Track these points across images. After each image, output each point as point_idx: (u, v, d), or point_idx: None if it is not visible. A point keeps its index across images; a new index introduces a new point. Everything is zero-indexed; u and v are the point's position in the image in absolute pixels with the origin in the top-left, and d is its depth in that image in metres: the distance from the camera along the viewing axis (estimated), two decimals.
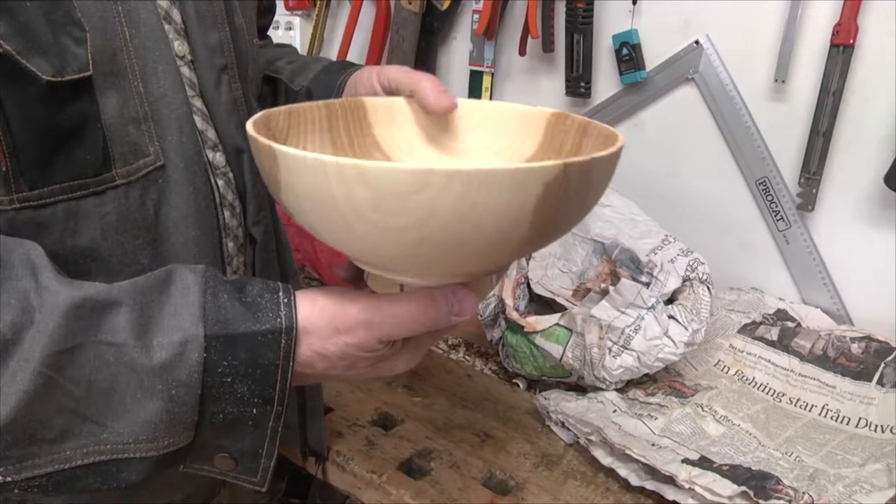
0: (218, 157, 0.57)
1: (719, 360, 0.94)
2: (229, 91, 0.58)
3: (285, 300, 0.43)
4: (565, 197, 0.36)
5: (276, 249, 0.65)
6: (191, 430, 0.41)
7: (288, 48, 0.81)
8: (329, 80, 0.68)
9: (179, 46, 0.54)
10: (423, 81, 0.56)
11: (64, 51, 0.45)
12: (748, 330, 0.98)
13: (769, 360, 0.93)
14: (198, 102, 0.56)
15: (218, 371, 0.40)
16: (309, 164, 0.35)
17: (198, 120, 0.56)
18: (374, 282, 0.46)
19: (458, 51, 1.23)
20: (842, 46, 0.91)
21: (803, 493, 0.67)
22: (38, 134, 0.45)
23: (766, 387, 0.91)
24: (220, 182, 0.58)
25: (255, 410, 0.42)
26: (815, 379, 0.90)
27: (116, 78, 0.49)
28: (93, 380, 0.39)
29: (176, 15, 0.54)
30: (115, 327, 0.40)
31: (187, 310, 0.41)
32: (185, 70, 0.55)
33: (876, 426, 0.82)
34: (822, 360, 0.92)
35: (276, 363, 0.42)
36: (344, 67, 0.68)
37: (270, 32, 0.84)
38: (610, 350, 0.82)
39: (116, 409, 0.39)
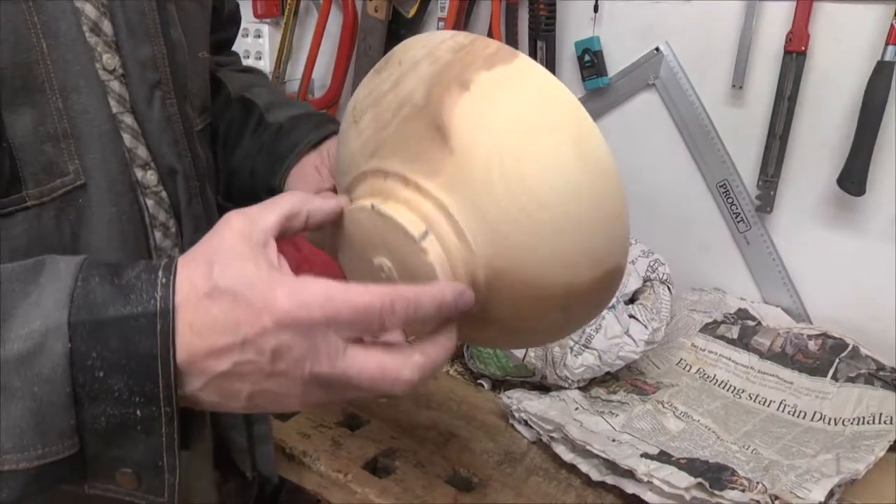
0: (149, 176, 0.55)
1: (681, 359, 0.96)
2: (162, 108, 0.55)
3: (164, 280, 0.37)
4: None
5: None
6: (70, 438, 0.36)
7: (260, 76, 0.80)
8: (280, 148, 0.66)
9: (109, 60, 0.51)
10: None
11: None
12: (709, 329, 1.00)
13: (730, 358, 0.96)
14: (128, 119, 0.53)
15: (87, 364, 0.36)
16: None
17: (127, 137, 0.53)
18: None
19: None
20: (795, 53, 0.94)
21: (757, 482, 0.69)
22: None
23: (726, 384, 0.93)
24: (150, 202, 0.55)
25: (139, 412, 0.37)
26: (773, 375, 0.92)
27: (30, 93, 0.46)
28: None
29: (107, 27, 0.51)
30: None
31: (53, 296, 0.36)
32: (114, 85, 0.52)
33: (829, 419, 0.84)
34: (780, 358, 0.94)
35: (152, 353, 0.36)
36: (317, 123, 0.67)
37: (239, 39, 0.83)
38: (571, 349, 0.84)
39: None
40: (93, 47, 0.51)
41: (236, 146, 0.69)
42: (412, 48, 0.45)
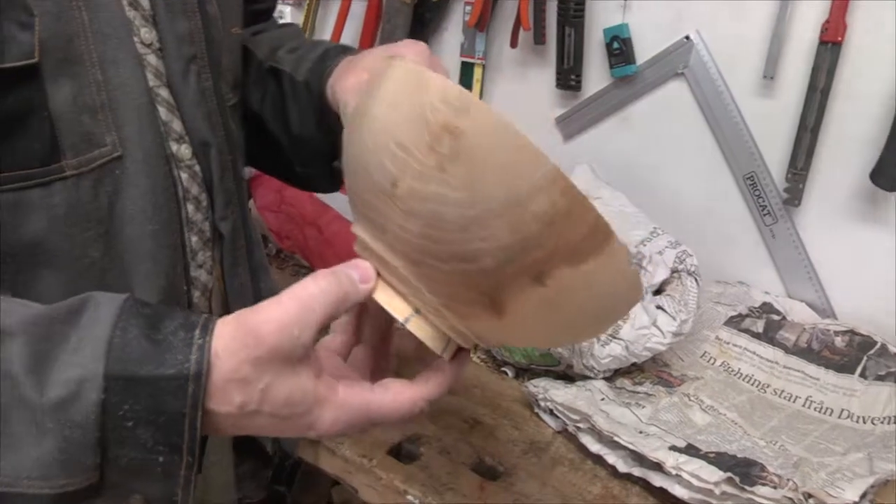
0: (183, 150, 0.56)
1: (705, 352, 0.95)
2: (198, 81, 0.56)
3: (200, 341, 0.38)
4: None
5: (245, 246, 0.63)
6: (93, 472, 0.38)
7: (291, 29, 0.79)
8: (320, 69, 0.65)
9: (147, 34, 0.52)
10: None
11: (5, 37, 0.44)
12: (734, 322, 0.99)
13: (754, 352, 0.95)
14: (164, 92, 0.54)
15: (118, 414, 0.37)
16: None
17: (162, 111, 0.54)
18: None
19: (449, 42, 1.23)
20: (830, 44, 0.92)
21: (787, 479, 0.68)
22: None
23: (751, 378, 0.92)
24: (184, 175, 0.56)
25: (161, 458, 0.39)
26: (799, 371, 0.91)
27: (71, 65, 0.47)
28: None
29: (145, 1, 0.52)
30: (10, 357, 0.37)
31: (91, 345, 0.38)
32: (151, 58, 0.53)
33: (858, 417, 0.83)
34: (806, 353, 0.93)
35: (181, 412, 0.38)
36: (336, 55, 0.66)
37: None
38: (598, 339, 0.83)
39: (8, 442, 0.37)
40: (131, 21, 0.52)
41: (287, 119, 0.68)
42: (495, 170, 0.36)
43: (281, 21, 1.40)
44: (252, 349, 0.39)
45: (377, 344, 0.49)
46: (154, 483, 0.40)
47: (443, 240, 0.38)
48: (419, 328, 0.43)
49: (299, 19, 1.36)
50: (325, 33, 1.34)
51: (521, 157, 0.35)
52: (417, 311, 0.42)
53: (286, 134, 0.69)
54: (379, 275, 0.43)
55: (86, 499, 0.40)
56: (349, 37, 1.30)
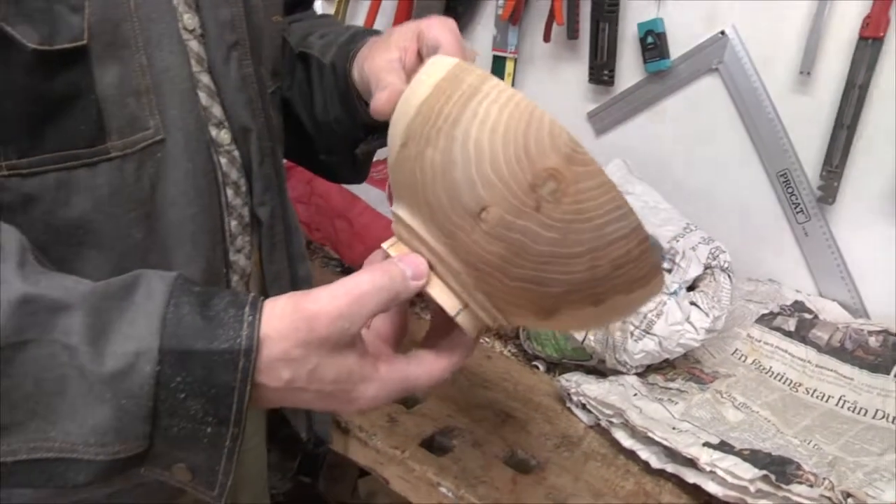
0: (223, 135, 0.56)
1: (736, 349, 0.95)
2: (239, 68, 0.56)
3: (250, 318, 0.40)
4: None
5: (283, 232, 0.64)
6: (143, 440, 0.40)
7: (325, 19, 0.79)
8: (346, 51, 0.65)
9: (189, 20, 0.53)
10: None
11: (56, 19, 0.44)
12: (765, 320, 0.98)
13: (786, 351, 0.94)
14: (205, 78, 0.55)
15: (171, 386, 0.39)
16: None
17: (203, 96, 0.54)
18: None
19: (481, 36, 1.23)
20: (871, 39, 0.91)
21: (823, 478, 0.68)
22: (27, 102, 0.45)
23: (782, 377, 0.91)
24: (223, 160, 0.56)
25: (209, 429, 0.41)
26: (832, 370, 0.91)
27: (118, 48, 0.48)
28: (42, 378, 0.38)
29: None
30: (69, 329, 0.39)
31: (146, 319, 0.39)
32: (193, 44, 0.53)
33: (893, 418, 0.82)
34: (839, 352, 0.92)
35: (231, 385, 0.40)
36: (363, 36, 0.65)
37: None
38: (632, 334, 0.83)
39: (66, 410, 0.39)
40: (175, 7, 0.52)
41: (312, 104, 0.69)
42: (591, 219, 0.38)
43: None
44: (303, 335, 0.40)
45: (400, 311, 0.50)
46: (200, 453, 0.42)
47: (520, 266, 0.40)
48: (466, 321, 0.44)
49: (330, 12, 1.36)
50: (359, 17, 1.34)
51: (615, 210, 0.37)
52: (466, 305, 0.44)
53: (311, 120, 0.69)
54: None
55: (133, 466, 0.41)
56: (383, 23, 1.30)
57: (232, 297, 0.42)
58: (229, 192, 0.57)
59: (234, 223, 0.59)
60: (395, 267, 0.43)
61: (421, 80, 0.42)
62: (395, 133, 0.44)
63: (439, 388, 0.86)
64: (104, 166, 0.48)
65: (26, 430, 0.38)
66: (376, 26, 1.29)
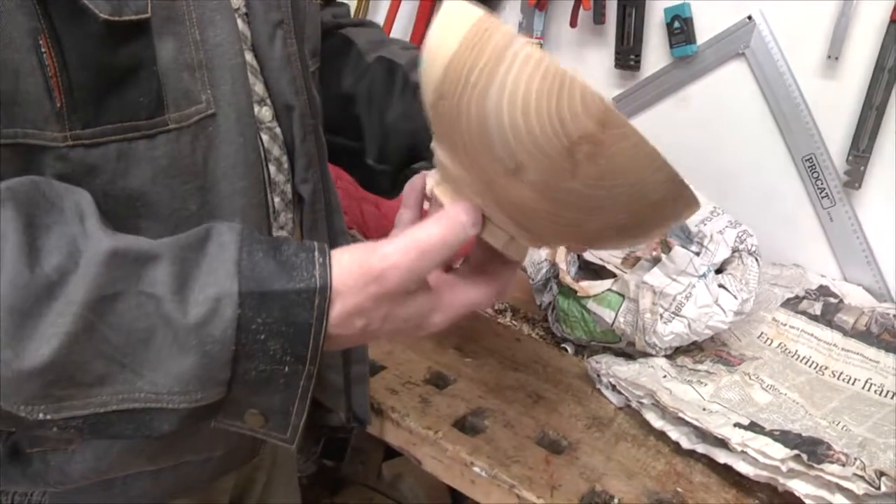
0: (265, 112, 0.57)
1: (762, 333, 0.95)
2: (283, 47, 0.57)
3: (320, 260, 0.43)
4: None
5: (324, 210, 0.65)
6: (223, 386, 0.42)
7: (375, 26, 0.80)
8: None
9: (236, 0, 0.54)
10: None
11: None
12: (791, 304, 0.99)
13: (812, 334, 0.95)
14: (248, 57, 0.55)
15: (251, 328, 0.41)
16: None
17: (248, 75, 0.55)
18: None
19: (508, 21, 1.23)
20: None
21: (854, 458, 0.68)
22: (94, 73, 0.46)
23: (808, 360, 0.92)
24: (265, 137, 0.57)
25: (287, 368, 0.43)
26: (858, 354, 0.91)
27: (174, 24, 0.49)
28: (132, 329, 0.40)
29: None
30: (155, 280, 0.40)
31: (223, 266, 0.41)
32: (239, 23, 0.54)
33: None
34: (865, 336, 0.93)
35: (308, 322, 0.42)
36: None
37: None
38: (661, 316, 0.84)
39: (152, 360, 0.40)
40: None
41: (386, 108, 0.69)
42: (628, 176, 0.40)
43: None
44: (374, 289, 0.43)
45: None
46: (275, 395, 0.44)
47: (565, 216, 0.41)
48: (513, 250, 0.47)
49: (352, 5, 1.36)
50: (379, 16, 1.34)
51: (652, 164, 0.38)
52: (512, 237, 0.46)
53: (379, 123, 0.70)
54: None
55: (208, 416, 0.44)
56: (403, 20, 1.30)
57: (299, 244, 0.44)
58: (272, 168, 0.59)
59: (277, 200, 0.60)
60: (456, 218, 0.44)
61: (444, 33, 0.41)
62: (427, 89, 0.44)
63: (470, 370, 0.87)
64: (162, 138, 0.49)
65: (115, 382, 0.40)
66: (399, 16, 1.29)
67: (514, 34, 0.38)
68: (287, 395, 0.44)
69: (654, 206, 0.41)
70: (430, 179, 0.49)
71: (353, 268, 0.43)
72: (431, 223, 0.44)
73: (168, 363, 0.40)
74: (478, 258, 0.50)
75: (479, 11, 0.39)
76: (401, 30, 1.31)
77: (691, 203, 0.42)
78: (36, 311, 0.38)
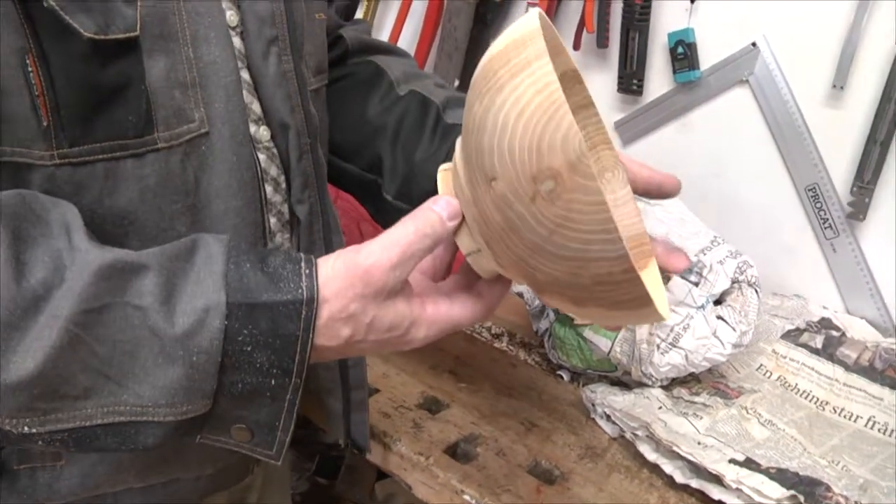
0: (262, 131, 0.56)
1: (761, 365, 0.94)
2: (278, 63, 0.56)
3: (307, 271, 0.43)
4: None
5: (321, 231, 0.64)
6: (209, 399, 0.42)
7: (408, 57, 0.79)
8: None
9: (231, 16, 0.54)
10: None
11: (111, 10, 0.45)
12: (791, 336, 0.97)
13: (812, 368, 0.93)
14: (245, 74, 0.55)
15: (238, 339, 0.41)
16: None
17: (244, 92, 0.55)
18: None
19: None
20: None
21: (855, 502, 0.67)
22: (81, 91, 0.45)
23: (808, 394, 0.90)
24: (262, 156, 0.57)
25: (273, 381, 0.43)
26: (860, 390, 0.89)
27: (166, 41, 0.49)
28: (117, 340, 0.40)
29: None
30: (142, 290, 0.40)
31: (210, 277, 0.41)
32: (235, 40, 0.54)
33: None
34: (868, 371, 0.91)
35: (295, 334, 0.42)
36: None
37: None
38: (658, 347, 0.82)
39: (138, 372, 0.40)
40: (219, 2, 0.53)
41: (415, 146, 0.68)
42: (577, 229, 0.39)
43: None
44: (359, 289, 0.43)
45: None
46: (261, 408, 0.44)
47: (514, 243, 0.41)
48: (477, 263, 0.47)
49: (359, 15, 1.37)
50: (384, 29, 1.35)
51: (602, 232, 0.38)
52: (479, 249, 0.46)
53: (404, 160, 0.68)
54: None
55: (194, 430, 0.43)
56: (409, 35, 1.30)
57: (285, 255, 0.44)
58: (268, 188, 0.58)
59: (273, 220, 0.59)
60: (432, 213, 0.45)
61: (507, 32, 0.41)
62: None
63: (464, 395, 0.86)
64: (151, 157, 0.49)
65: (101, 395, 0.40)
66: (404, 31, 1.30)
67: (544, 52, 0.38)
68: (273, 408, 0.44)
69: (594, 280, 0.40)
70: (443, 165, 0.50)
71: (340, 269, 0.43)
72: (408, 219, 0.44)
73: (154, 374, 0.40)
74: (466, 276, 0.49)
75: (536, 25, 0.39)
76: (412, 27, 1.31)
77: (645, 304, 0.41)
78: (22, 324, 0.38)
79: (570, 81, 0.55)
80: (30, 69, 0.43)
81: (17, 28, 0.42)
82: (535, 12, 0.41)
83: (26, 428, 0.39)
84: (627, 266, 0.38)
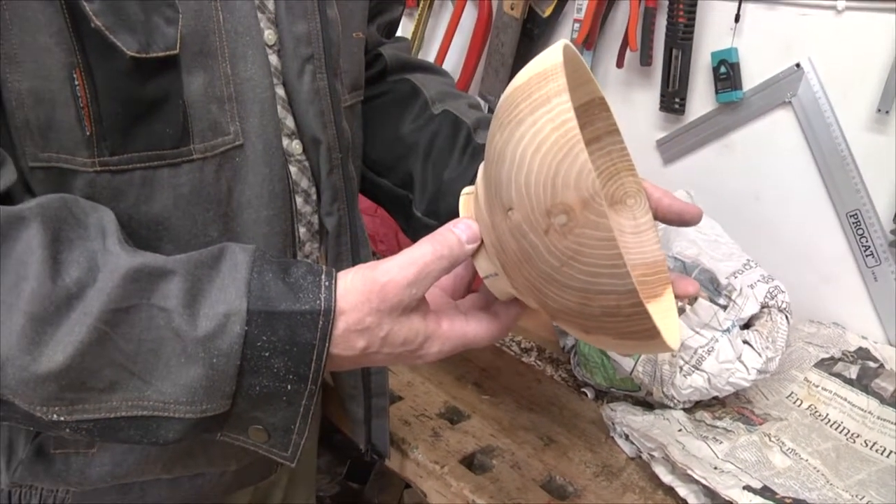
0: (294, 145, 0.59)
1: (792, 392, 0.93)
2: (312, 81, 0.59)
3: (326, 283, 0.45)
4: None
5: (349, 242, 0.66)
6: (228, 399, 0.44)
7: (445, 74, 0.81)
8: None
9: (270, 35, 0.56)
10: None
11: (153, 29, 0.48)
12: (825, 365, 0.95)
13: (845, 399, 0.91)
14: (280, 90, 0.57)
15: (257, 345, 0.43)
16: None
17: (278, 108, 0.57)
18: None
19: None
20: None
21: None
22: (122, 104, 0.48)
23: (839, 425, 0.88)
24: (294, 169, 0.59)
25: (289, 387, 0.44)
26: (895, 423, 0.87)
27: (205, 58, 0.51)
28: (142, 339, 0.42)
29: (270, 4, 0.56)
30: (168, 294, 0.43)
31: (234, 285, 0.43)
32: (272, 58, 0.56)
33: None
34: None
35: (312, 343, 0.44)
36: None
37: None
38: (681, 369, 0.82)
39: (161, 370, 0.42)
40: (258, 22, 0.55)
41: (444, 165, 0.69)
42: (587, 263, 0.41)
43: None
44: (376, 304, 0.45)
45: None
46: (278, 412, 0.46)
47: (528, 271, 0.43)
48: (494, 286, 0.49)
49: (409, 30, 1.39)
50: (434, 45, 1.37)
51: (611, 267, 0.39)
52: (496, 273, 0.47)
53: (434, 178, 0.70)
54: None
55: (213, 428, 0.46)
56: (457, 50, 1.33)
57: (307, 267, 0.46)
58: (299, 199, 0.60)
59: (302, 230, 0.62)
60: (451, 235, 0.46)
61: (531, 64, 0.43)
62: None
63: (486, 407, 0.87)
64: (186, 167, 0.52)
65: (125, 389, 0.42)
66: (453, 45, 1.32)
67: (564, 89, 0.39)
68: (289, 412, 0.46)
69: (604, 311, 0.41)
70: (466, 188, 0.51)
71: (357, 283, 0.45)
72: (427, 239, 0.46)
73: (176, 373, 0.42)
74: (484, 295, 0.51)
75: (559, 60, 0.40)
76: (460, 42, 1.32)
77: (653, 336, 0.42)
78: (55, 319, 0.40)
79: (597, 109, 0.56)
80: (76, 83, 0.47)
81: (66, 45, 0.46)
82: (561, 45, 0.42)
83: (55, 416, 0.42)
84: (636, 300, 0.40)
